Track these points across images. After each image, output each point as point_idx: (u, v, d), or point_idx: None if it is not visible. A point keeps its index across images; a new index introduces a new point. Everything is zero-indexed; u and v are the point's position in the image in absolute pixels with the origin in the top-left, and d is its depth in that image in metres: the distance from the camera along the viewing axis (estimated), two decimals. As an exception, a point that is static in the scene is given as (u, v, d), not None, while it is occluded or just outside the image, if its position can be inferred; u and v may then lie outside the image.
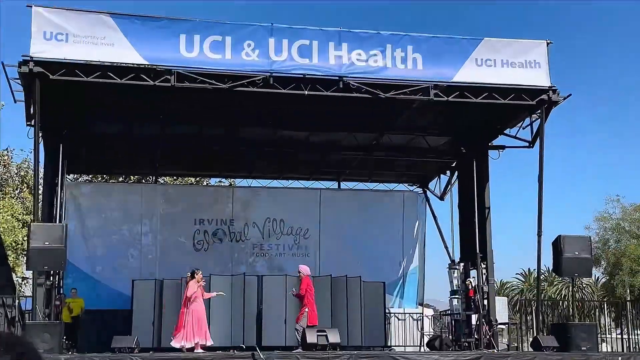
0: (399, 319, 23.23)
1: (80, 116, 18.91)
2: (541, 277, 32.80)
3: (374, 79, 16.92)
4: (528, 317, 30.21)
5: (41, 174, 19.41)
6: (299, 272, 17.10)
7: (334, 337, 15.92)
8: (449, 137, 21.33)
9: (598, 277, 66.49)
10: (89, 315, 20.19)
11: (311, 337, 15.81)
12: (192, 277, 16.46)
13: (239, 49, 16.36)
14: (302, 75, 16.55)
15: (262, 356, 14.60)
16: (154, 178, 24.84)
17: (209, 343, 16.13)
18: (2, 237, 24.36)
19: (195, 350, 15.68)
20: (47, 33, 15.46)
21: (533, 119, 18.67)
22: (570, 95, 17.68)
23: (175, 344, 16.05)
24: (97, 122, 19.61)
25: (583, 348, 16.24)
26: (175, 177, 31.13)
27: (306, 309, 16.58)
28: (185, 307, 16.27)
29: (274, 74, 16.37)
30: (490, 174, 20.52)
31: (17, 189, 33.16)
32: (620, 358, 16.29)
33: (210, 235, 22.87)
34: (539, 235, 17.80)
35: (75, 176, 25.21)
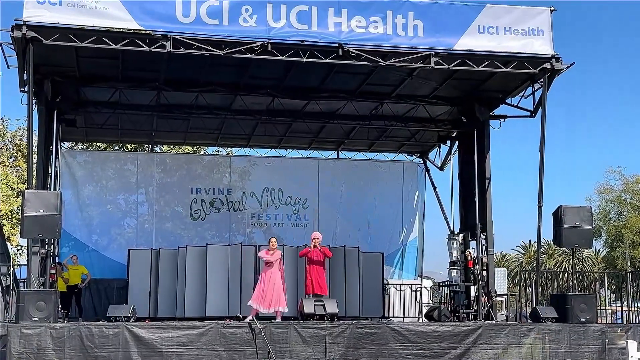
0: (397, 290, 23.11)
1: (75, 83, 18.61)
2: (541, 250, 32.70)
3: (373, 46, 16.57)
4: (528, 290, 30.12)
5: (35, 142, 19.17)
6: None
7: (331, 307, 15.80)
8: (449, 107, 21.01)
9: (599, 250, 66.63)
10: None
11: (309, 307, 15.68)
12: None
13: (236, 14, 15.99)
14: (300, 42, 16.22)
15: (259, 326, 14.47)
16: (150, 147, 24.59)
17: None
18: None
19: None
20: (40, -3, 15.16)
21: (535, 88, 18.39)
22: (573, 63, 17.34)
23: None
24: (92, 88, 19.28)
25: (582, 319, 16.11)
26: (172, 146, 30.88)
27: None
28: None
29: (272, 41, 16.05)
30: (491, 144, 20.25)
31: (11, 157, 33.04)
32: (619, 329, 16.11)
33: (207, 205, 22.68)
34: (540, 206, 17.58)
35: (70, 144, 24.92)
